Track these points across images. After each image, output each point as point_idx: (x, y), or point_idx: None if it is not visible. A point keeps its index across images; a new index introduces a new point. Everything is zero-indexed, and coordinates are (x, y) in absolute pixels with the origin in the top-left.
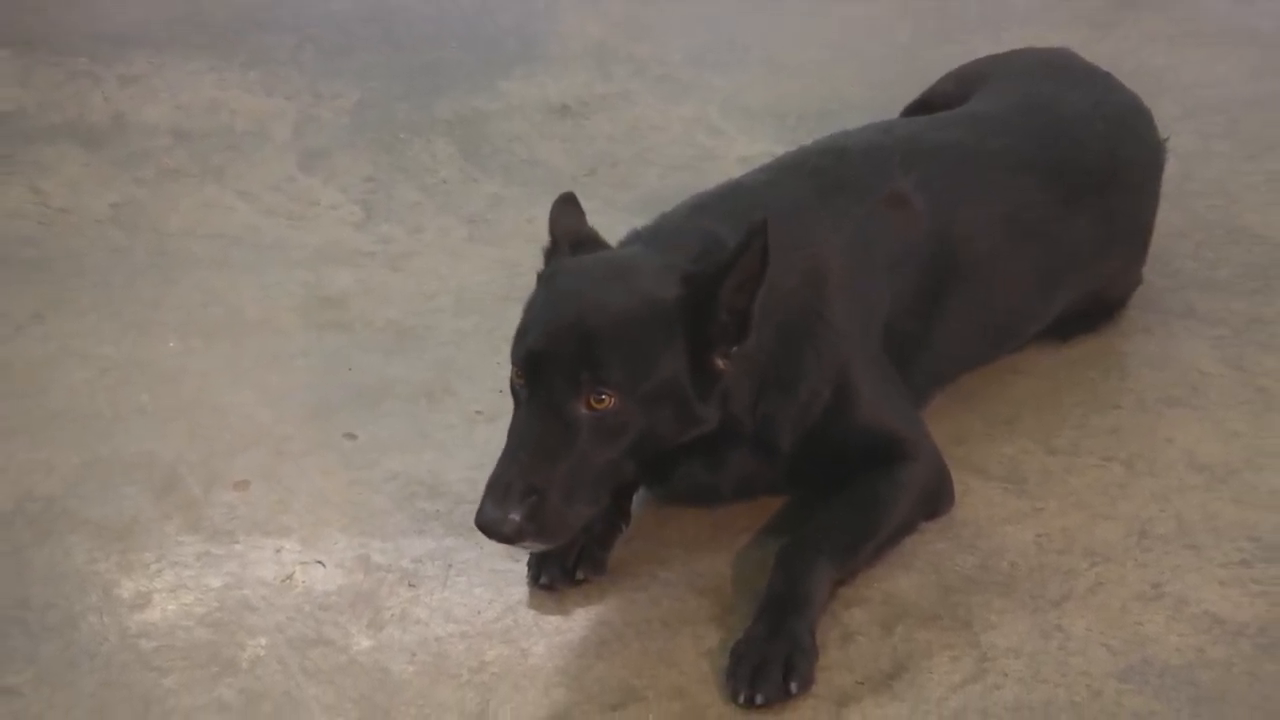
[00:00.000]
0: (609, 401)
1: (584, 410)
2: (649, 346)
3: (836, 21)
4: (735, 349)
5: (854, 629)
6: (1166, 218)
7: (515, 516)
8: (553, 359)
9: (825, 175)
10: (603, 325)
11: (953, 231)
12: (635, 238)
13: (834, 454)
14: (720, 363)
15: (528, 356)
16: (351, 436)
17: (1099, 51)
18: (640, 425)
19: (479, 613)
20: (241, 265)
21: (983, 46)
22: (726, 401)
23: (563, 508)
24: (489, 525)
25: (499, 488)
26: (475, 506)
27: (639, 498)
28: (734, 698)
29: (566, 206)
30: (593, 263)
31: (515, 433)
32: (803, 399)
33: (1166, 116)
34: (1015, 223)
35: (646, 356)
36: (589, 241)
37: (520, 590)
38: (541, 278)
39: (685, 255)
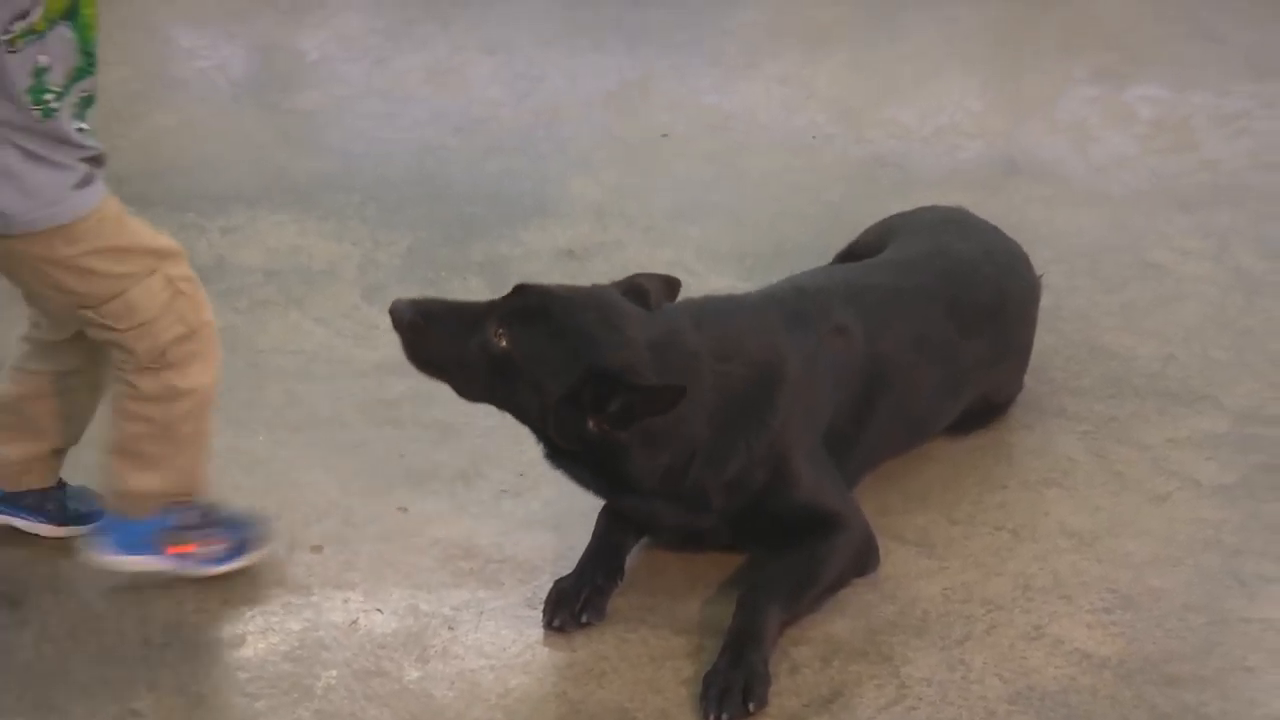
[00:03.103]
0: (503, 341)
1: (491, 333)
2: (552, 347)
3: (783, 185)
4: (608, 429)
5: (799, 662)
6: (1042, 338)
7: (406, 317)
8: (514, 296)
9: (788, 305)
10: (545, 307)
11: (880, 352)
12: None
13: (777, 523)
14: (590, 423)
15: (515, 286)
16: (404, 510)
17: (988, 209)
18: (514, 386)
19: (505, 649)
20: (317, 375)
21: (895, 205)
22: (620, 460)
23: (423, 347)
24: (391, 309)
25: (410, 301)
26: (501, 566)
27: (631, 558)
28: (705, 718)
29: (666, 280)
30: (614, 294)
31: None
32: (730, 473)
33: (1041, 260)
34: (926, 344)
35: (544, 349)
36: (635, 290)
37: (537, 631)
38: None
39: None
